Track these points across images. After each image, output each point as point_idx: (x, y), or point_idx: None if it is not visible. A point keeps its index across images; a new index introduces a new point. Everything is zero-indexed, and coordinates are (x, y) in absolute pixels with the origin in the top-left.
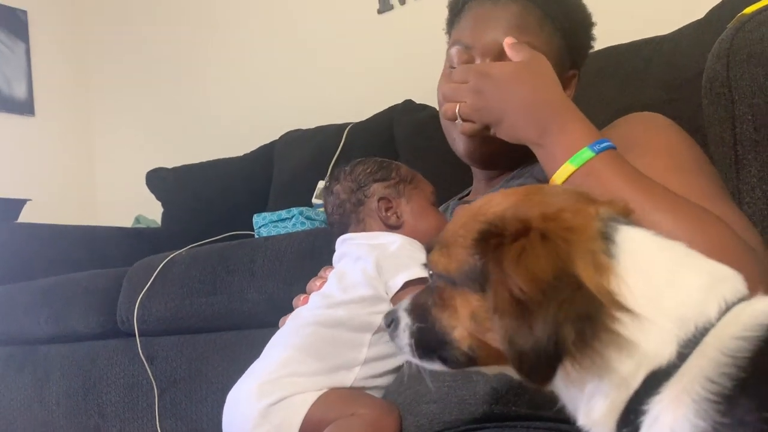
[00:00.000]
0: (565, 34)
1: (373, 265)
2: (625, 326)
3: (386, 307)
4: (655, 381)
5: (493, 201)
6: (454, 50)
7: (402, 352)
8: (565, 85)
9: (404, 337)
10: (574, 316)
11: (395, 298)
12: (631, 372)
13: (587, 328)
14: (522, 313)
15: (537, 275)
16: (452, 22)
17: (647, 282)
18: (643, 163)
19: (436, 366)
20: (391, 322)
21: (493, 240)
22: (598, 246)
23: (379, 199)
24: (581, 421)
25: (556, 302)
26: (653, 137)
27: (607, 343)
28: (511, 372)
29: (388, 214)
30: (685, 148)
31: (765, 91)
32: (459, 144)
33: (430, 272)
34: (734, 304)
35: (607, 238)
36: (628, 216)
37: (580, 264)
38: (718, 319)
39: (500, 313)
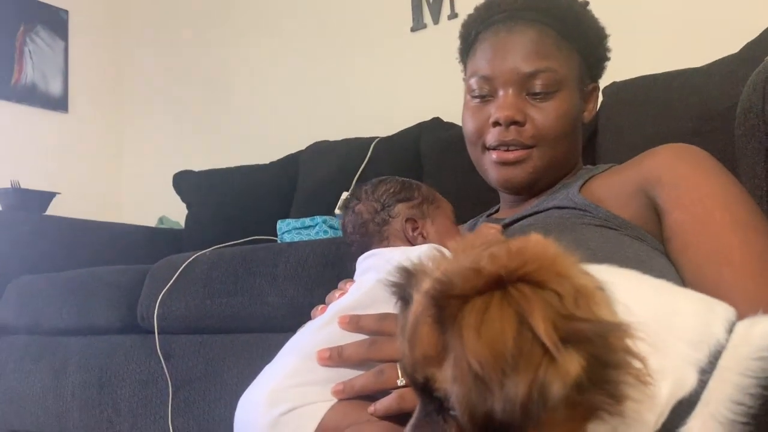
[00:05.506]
0: (582, 50)
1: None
2: (646, 357)
3: None
4: (681, 410)
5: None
6: (473, 81)
7: None
8: (586, 99)
9: None
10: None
11: None
12: (659, 404)
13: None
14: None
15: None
16: (466, 51)
17: (652, 310)
18: (701, 213)
19: None
20: None
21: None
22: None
23: (406, 220)
24: None
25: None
26: (704, 180)
27: (632, 383)
28: None
29: (415, 234)
30: (740, 198)
31: None
32: (491, 173)
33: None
34: (734, 324)
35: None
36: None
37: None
38: (727, 339)
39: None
